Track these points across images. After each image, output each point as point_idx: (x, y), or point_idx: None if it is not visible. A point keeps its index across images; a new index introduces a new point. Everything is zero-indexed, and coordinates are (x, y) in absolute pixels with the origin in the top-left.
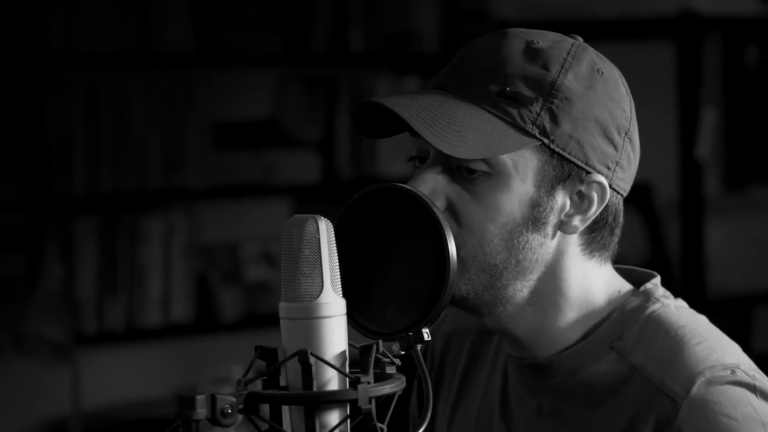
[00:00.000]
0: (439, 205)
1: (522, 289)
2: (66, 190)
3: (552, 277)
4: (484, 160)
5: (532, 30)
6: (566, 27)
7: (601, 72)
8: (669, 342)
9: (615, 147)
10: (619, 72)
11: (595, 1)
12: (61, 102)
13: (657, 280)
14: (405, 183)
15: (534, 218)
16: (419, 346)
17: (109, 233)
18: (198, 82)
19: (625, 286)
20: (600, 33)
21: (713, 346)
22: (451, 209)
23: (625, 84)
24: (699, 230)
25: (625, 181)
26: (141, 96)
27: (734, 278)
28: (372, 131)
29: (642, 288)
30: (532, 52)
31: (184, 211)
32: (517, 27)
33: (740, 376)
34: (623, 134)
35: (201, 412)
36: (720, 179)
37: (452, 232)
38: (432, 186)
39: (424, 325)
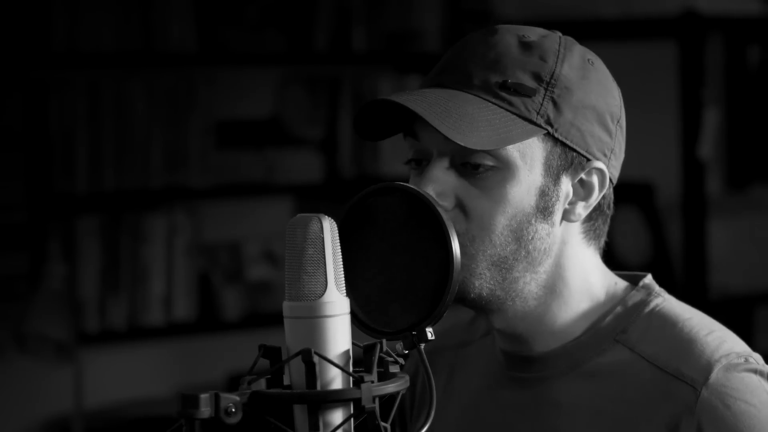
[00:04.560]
0: (448, 203)
1: (530, 281)
2: (68, 189)
3: (557, 268)
4: (490, 154)
5: (519, 26)
6: (568, 26)
7: (591, 62)
8: (679, 333)
9: (609, 135)
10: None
11: (597, 0)
12: (63, 100)
13: (650, 277)
14: (408, 182)
15: (543, 207)
16: (423, 346)
17: (112, 232)
18: (200, 81)
19: (620, 281)
20: (602, 33)
21: (723, 336)
22: (461, 205)
23: (611, 76)
24: (701, 230)
25: (617, 169)
26: (143, 95)
27: (736, 278)
28: (370, 133)
29: (641, 283)
30: (526, 45)
31: (187, 210)
32: (518, 26)
33: (753, 364)
34: (616, 122)
35: (204, 410)
36: (722, 179)
37: (462, 228)
38: (441, 184)
39: (428, 325)
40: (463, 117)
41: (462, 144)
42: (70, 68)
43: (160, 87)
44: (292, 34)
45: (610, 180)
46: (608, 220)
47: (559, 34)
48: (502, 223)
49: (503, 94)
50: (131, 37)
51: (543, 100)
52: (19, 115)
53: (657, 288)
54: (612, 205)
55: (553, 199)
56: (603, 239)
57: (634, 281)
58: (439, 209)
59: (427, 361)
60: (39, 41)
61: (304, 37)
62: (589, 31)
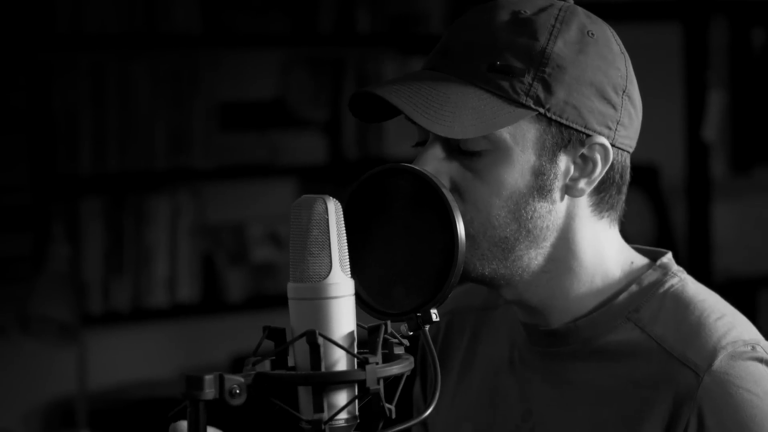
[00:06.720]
0: None
1: (536, 256)
2: (72, 171)
3: (565, 242)
4: (483, 137)
5: None
6: None
7: (592, 33)
8: (689, 316)
9: (614, 107)
10: (612, 30)
11: None
12: (67, 82)
13: (670, 255)
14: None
15: (539, 186)
16: (427, 327)
17: (116, 214)
18: (204, 63)
19: (638, 259)
20: (607, 14)
21: (733, 322)
22: (455, 188)
23: (619, 42)
24: (705, 212)
25: (630, 138)
26: (147, 76)
27: (740, 260)
28: (369, 116)
29: (659, 262)
30: (520, 23)
31: (191, 191)
32: None
33: (760, 352)
34: (621, 93)
35: (209, 392)
36: (726, 161)
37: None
38: (433, 167)
39: (432, 306)
40: (445, 105)
41: (442, 134)
42: (74, 50)
43: (164, 69)
44: (296, 15)
45: (624, 149)
46: (623, 188)
47: (562, 4)
48: (497, 204)
49: (492, 77)
50: (135, 18)
51: (532, 80)
52: (23, 96)
53: (675, 267)
54: (627, 173)
55: (550, 178)
56: (619, 208)
57: (654, 257)
58: (445, 191)
59: (431, 344)
60: (43, 23)
61: (308, 19)
62: (593, 13)
